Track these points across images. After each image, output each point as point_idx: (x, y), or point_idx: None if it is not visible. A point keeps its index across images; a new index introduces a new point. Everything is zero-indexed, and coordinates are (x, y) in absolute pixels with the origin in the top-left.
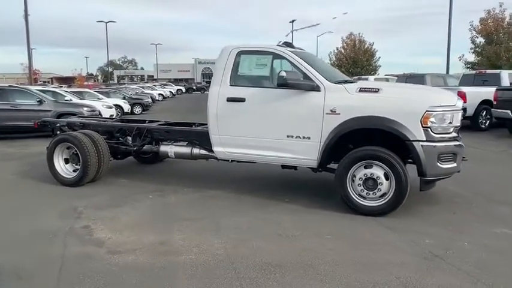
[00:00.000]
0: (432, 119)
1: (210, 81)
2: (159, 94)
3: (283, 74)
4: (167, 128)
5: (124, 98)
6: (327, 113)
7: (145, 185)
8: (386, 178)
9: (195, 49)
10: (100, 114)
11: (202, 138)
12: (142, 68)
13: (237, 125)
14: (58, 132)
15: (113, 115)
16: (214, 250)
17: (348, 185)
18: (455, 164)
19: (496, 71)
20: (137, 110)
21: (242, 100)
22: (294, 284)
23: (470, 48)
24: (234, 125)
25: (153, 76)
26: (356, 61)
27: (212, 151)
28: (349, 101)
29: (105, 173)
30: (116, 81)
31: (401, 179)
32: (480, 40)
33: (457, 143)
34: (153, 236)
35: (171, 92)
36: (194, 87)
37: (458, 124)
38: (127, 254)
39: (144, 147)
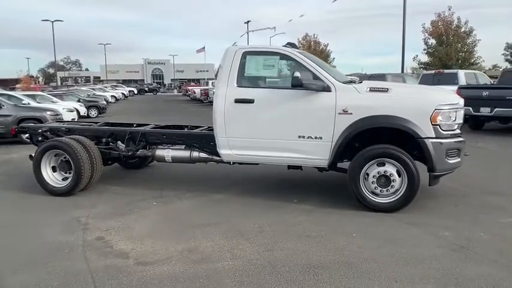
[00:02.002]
0: (440, 117)
1: (161, 83)
2: (112, 96)
3: (298, 74)
4: (165, 131)
5: (79, 101)
6: (339, 113)
7: (141, 191)
8: (399, 175)
9: (143, 49)
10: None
11: (203, 141)
12: (87, 69)
13: (246, 126)
14: (40, 138)
15: (74, 119)
16: (249, 255)
17: (361, 183)
18: (459, 159)
19: (453, 70)
20: (93, 112)
21: (251, 101)
22: (345, 283)
23: (424, 49)
24: (242, 127)
25: (99, 77)
26: None
27: (213, 154)
28: (360, 100)
29: (97, 180)
30: (59, 83)
31: (413, 175)
32: (432, 41)
33: (460, 139)
34: (178, 244)
35: (123, 93)
36: (146, 89)
37: (461, 121)
38: (159, 264)
39: (137, 152)
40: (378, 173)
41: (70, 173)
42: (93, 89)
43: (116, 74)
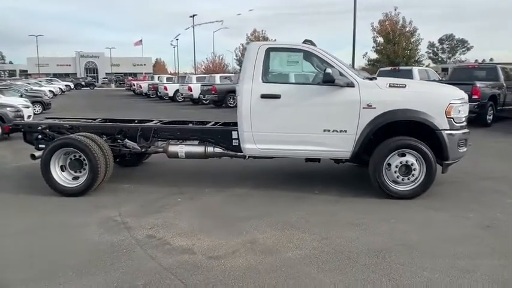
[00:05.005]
0: (453, 111)
1: (95, 77)
2: (50, 91)
3: (330, 71)
4: (180, 127)
5: (21, 96)
6: (363, 108)
7: (157, 189)
8: (417, 164)
9: (75, 42)
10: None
11: (218, 136)
12: (11, 62)
13: (272, 121)
14: (39, 136)
15: (30, 115)
16: (310, 244)
17: (383, 173)
18: (466, 149)
19: (408, 67)
20: (37, 109)
21: (277, 97)
22: (416, 263)
23: (372, 47)
24: (268, 122)
25: (26, 71)
26: None
27: (228, 148)
28: (383, 96)
29: (108, 179)
30: None
31: (431, 164)
32: (380, 40)
33: (466, 130)
34: (235, 237)
35: (60, 88)
36: (83, 83)
37: (467, 114)
38: (230, 257)
39: (149, 149)
40: (400, 162)
41: (80, 172)
42: (29, 84)
43: (46, 68)
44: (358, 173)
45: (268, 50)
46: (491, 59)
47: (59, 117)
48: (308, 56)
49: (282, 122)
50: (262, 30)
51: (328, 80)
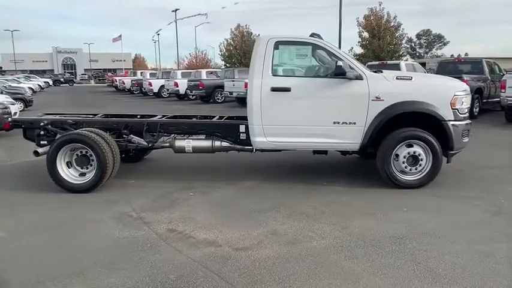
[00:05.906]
0: (457, 102)
1: (73, 73)
2: (29, 88)
3: (341, 64)
4: (187, 121)
5: (1, 93)
6: (372, 100)
7: (165, 184)
8: (425, 154)
9: (50, 38)
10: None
11: (226, 130)
12: None
13: (283, 114)
14: (42, 132)
15: (16, 112)
16: (331, 233)
17: (392, 164)
18: (468, 139)
19: (396, 61)
20: (19, 106)
21: (287, 90)
22: (437, 248)
23: (358, 42)
24: (279, 115)
25: (1, 67)
26: (246, 52)
27: (236, 143)
28: (391, 88)
29: (115, 175)
30: None
31: (437, 155)
32: (365, 35)
33: (469, 121)
34: (256, 229)
35: (39, 85)
36: (62, 80)
37: (469, 106)
38: (256, 248)
39: (155, 144)
40: (408, 153)
41: (87, 168)
42: (7, 80)
43: (22, 64)
44: (363, 164)
45: (277, 43)
46: (466, 54)
47: (59, 113)
48: (317, 49)
49: (292, 114)
50: (246, 25)
51: (340, 73)
